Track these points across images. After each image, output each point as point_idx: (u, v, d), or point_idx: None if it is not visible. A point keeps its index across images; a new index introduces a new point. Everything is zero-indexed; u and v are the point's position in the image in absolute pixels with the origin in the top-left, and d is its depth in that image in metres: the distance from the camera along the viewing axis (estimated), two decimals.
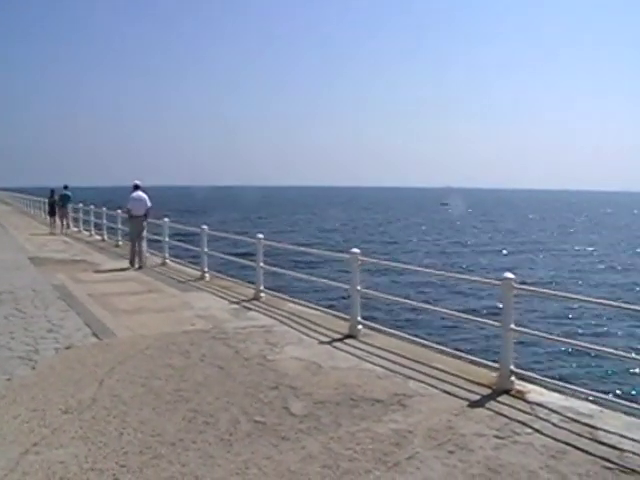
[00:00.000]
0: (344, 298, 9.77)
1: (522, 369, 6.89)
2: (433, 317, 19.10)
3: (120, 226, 22.37)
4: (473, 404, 6.21)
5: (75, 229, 30.43)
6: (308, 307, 11.08)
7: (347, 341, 8.75)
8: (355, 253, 9.18)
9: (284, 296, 12.00)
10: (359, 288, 9.16)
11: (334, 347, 8.44)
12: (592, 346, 6.88)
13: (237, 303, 11.61)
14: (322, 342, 8.68)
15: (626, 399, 6.79)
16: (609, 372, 15.13)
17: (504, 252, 43.72)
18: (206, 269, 14.79)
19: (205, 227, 14.99)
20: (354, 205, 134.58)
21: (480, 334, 16.61)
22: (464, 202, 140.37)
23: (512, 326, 6.76)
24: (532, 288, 8.15)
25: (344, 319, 9.58)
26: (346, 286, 9.54)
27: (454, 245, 48.55)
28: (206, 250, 14.75)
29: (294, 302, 11.45)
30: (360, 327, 9.07)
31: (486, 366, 7.26)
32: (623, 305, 6.70)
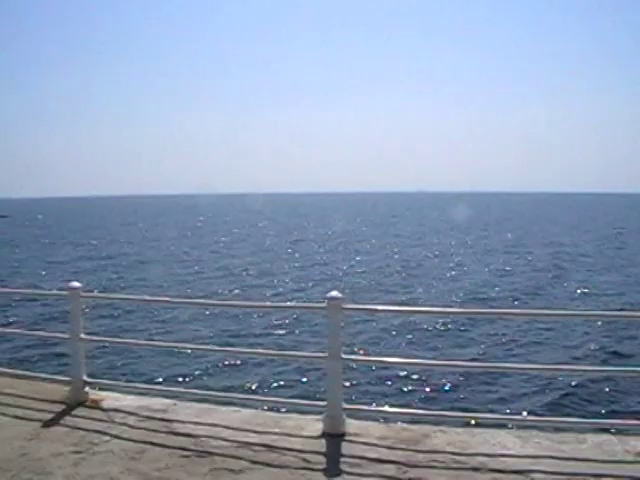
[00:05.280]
0: None
1: (98, 378, 6.79)
2: None
3: None
4: (48, 424, 5.88)
5: None
6: None
7: None
8: None
9: None
10: None
11: None
12: (161, 343, 7.13)
13: None
14: None
15: (198, 388, 7.24)
16: (184, 365, 15.68)
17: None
18: None
19: None
20: None
21: (50, 349, 15.81)
22: None
23: (82, 336, 6.58)
24: (99, 295, 8.10)
25: None
26: None
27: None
28: None
29: None
30: None
31: (59, 381, 6.95)
32: (193, 300, 7.08)
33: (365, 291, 28.28)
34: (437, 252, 46.34)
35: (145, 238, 63.93)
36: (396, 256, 44.87)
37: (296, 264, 40.29)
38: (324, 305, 5.60)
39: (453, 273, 35.00)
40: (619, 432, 5.62)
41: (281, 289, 29.68)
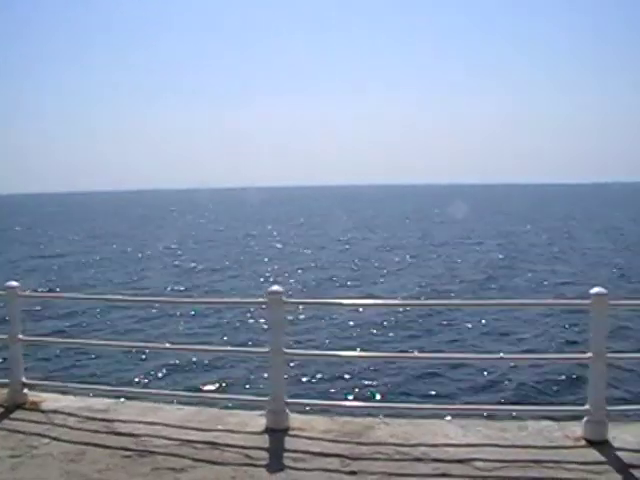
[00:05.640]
0: None
1: (40, 379, 6.63)
2: None
3: None
4: None
5: None
6: None
7: None
8: None
9: None
10: None
11: None
12: (103, 342, 7.01)
13: None
14: None
15: (141, 387, 7.13)
16: (127, 365, 15.29)
17: None
18: None
19: None
20: None
21: None
22: None
23: (20, 336, 6.41)
24: (38, 294, 7.92)
25: None
26: None
27: None
28: None
29: None
30: None
31: None
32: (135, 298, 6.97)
33: (321, 285, 28.34)
34: (390, 245, 46.50)
35: (102, 234, 62.37)
36: (347, 246, 45.33)
37: (247, 259, 39.99)
38: (264, 299, 5.57)
39: (404, 265, 35.32)
40: (559, 418, 5.74)
41: (230, 286, 29.37)
